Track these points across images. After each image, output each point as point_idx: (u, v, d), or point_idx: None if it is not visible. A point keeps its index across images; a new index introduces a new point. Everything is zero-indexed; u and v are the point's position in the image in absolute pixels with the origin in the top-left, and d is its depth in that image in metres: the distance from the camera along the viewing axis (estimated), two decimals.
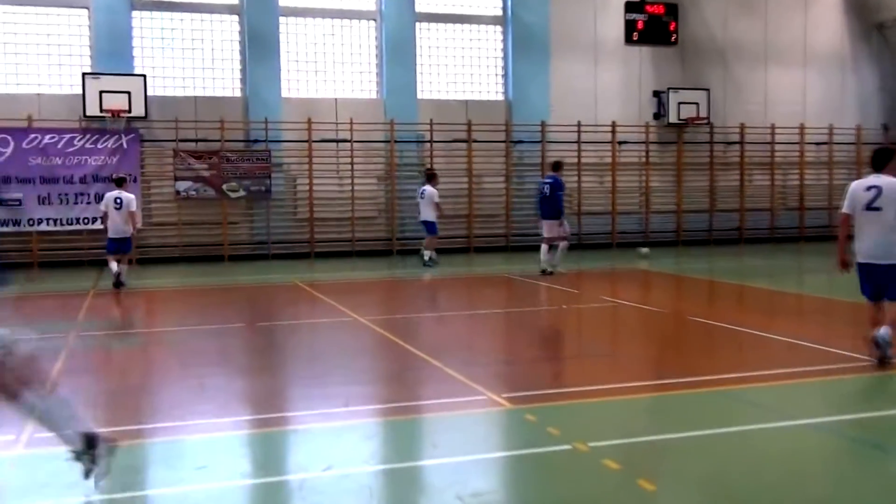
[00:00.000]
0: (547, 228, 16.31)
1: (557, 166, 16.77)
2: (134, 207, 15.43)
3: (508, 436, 6.40)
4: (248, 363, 9.15)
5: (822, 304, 13.43)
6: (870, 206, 8.07)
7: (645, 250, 20.41)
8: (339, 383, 7.84)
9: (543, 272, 16.02)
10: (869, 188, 8.13)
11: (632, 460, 5.57)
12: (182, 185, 19.72)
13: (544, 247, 16.24)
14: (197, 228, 19.89)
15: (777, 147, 24.49)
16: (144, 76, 19.32)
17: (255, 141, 20.37)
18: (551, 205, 16.24)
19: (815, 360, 8.59)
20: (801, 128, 24.49)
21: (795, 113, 24.63)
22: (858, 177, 25.87)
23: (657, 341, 10.27)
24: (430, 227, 18.55)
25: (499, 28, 22.53)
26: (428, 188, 18.55)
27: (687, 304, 13.45)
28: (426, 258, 18.20)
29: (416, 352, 9.09)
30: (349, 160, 20.89)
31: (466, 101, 22.02)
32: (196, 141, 20.00)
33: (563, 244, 16.37)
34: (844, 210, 8.35)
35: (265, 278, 16.94)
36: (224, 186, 19.84)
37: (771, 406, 6.85)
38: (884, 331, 8.04)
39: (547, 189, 16.37)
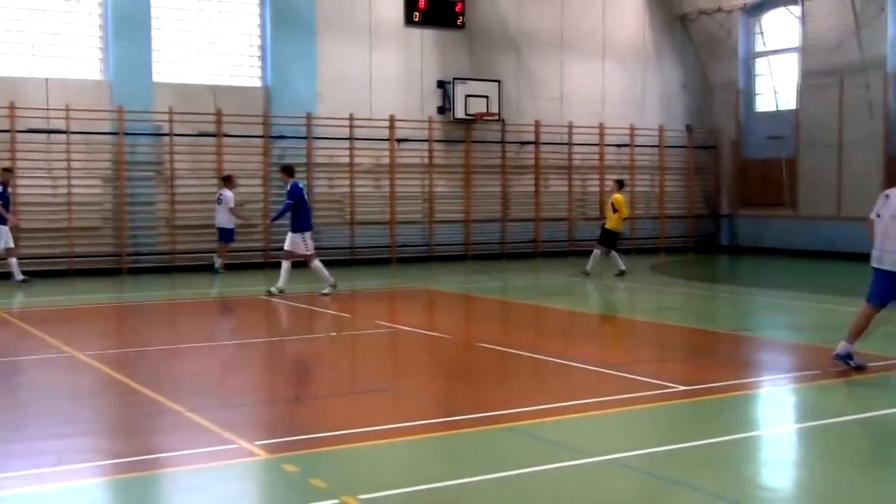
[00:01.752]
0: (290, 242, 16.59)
1: (290, 170, 17.06)
2: None
3: (263, 492, 6.30)
4: None
5: (624, 326, 14.25)
6: (878, 214, 9.90)
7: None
8: (49, 436, 7.45)
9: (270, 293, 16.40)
10: (886, 196, 9.95)
11: None
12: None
13: (317, 263, 16.61)
14: None
15: (575, 149, 25.80)
16: None
17: None
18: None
19: (617, 388, 9.09)
20: (601, 128, 25.95)
21: (594, 111, 26.07)
22: (661, 182, 27.76)
23: (442, 372, 10.48)
24: (224, 234, 20.41)
25: (255, 1, 22.30)
26: (226, 192, 20.24)
27: (476, 328, 13.84)
28: (217, 265, 20.33)
29: (150, 393, 8.77)
30: (65, 156, 19.93)
31: (215, 87, 21.61)
32: None
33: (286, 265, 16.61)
34: (870, 215, 10.12)
35: None
36: None
37: (568, 442, 7.16)
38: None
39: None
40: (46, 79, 20.03)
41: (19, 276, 18.07)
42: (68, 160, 19.97)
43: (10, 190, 18.39)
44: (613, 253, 19.85)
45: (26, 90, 19.71)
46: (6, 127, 19.40)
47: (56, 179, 20.05)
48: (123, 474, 6.50)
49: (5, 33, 19.91)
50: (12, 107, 19.34)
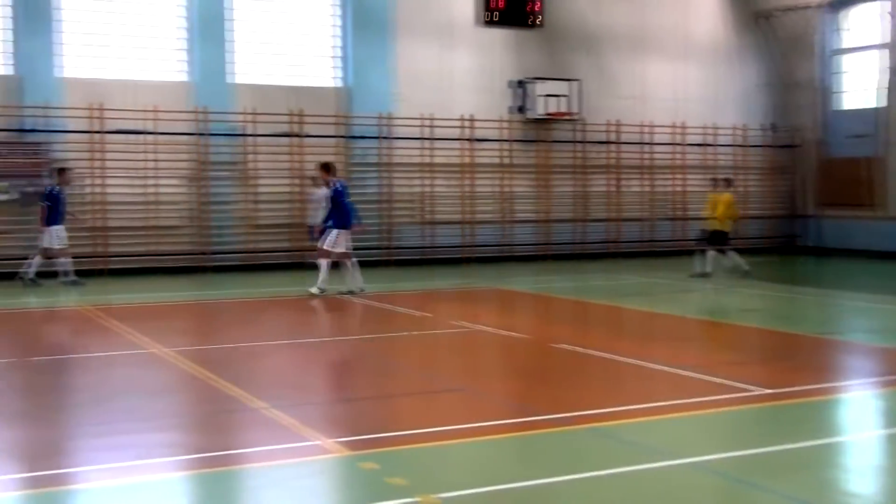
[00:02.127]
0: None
1: (330, 167, 16.91)
2: None
3: (344, 489, 6.33)
4: (17, 407, 8.70)
5: (702, 328, 14.04)
6: None
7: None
8: (133, 430, 7.58)
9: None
10: None
11: None
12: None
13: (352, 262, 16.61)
14: None
15: (654, 148, 25.51)
16: None
17: (30, 131, 19.52)
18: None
19: (697, 390, 8.94)
20: (680, 127, 25.62)
21: (674, 110, 25.75)
22: (740, 182, 27.10)
23: (519, 373, 10.43)
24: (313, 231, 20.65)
25: (334, 2, 22.48)
26: (315, 191, 20.35)
27: (552, 328, 13.75)
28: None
29: (230, 390, 8.88)
30: (150, 156, 20.31)
31: (293, 88, 21.83)
32: None
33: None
34: None
35: (42, 301, 16.23)
36: None
37: (648, 444, 7.07)
38: None
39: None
40: (132, 81, 20.45)
41: (31, 273, 17.66)
42: (152, 160, 20.34)
43: (66, 190, 18.29)
44: (710, 253, 19.46)
45: (114, 92, 20.14)
46: (95, 128, 19.85)
47: (141, 179, 20.45)
48: (204, 469, 6.59)
49: (94, 37, 20.38)
50: (97, 108, 19.76)
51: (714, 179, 20.52)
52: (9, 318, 14.63)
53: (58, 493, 6.13)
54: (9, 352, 11.49)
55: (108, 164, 20.08)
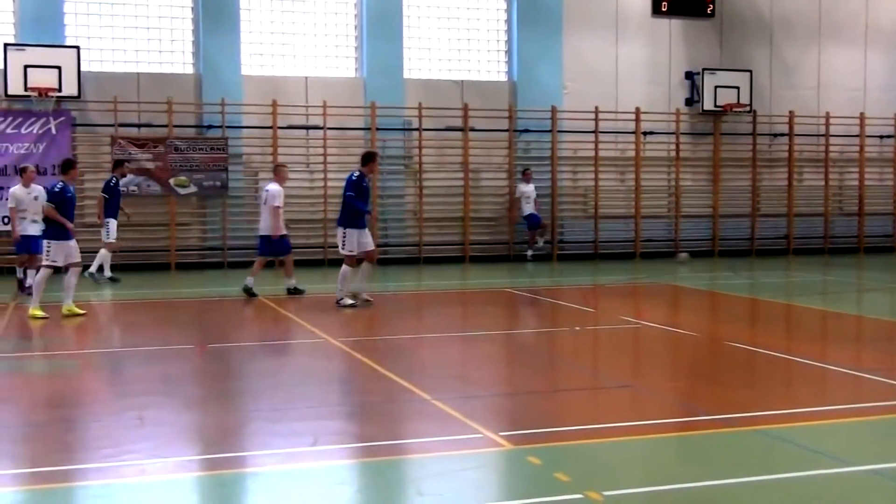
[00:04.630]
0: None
1: (370, 157, 14.65)
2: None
3: (508, 482, 6.35)
4: (197, 392, 9.10)
5: (885, 329, 13.41)
6: None
7: (684, 255, 22.11)
8: (306, 418, 7.80)
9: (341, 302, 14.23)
10: None
11: None
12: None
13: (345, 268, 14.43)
14: (138, 231, 19.79)
15: (832, 140, 24.53)
16: (78, 48, 19.25)
17: (210, 127, 20.33)
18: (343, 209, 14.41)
19: (878, 394, 8.57)
20: (861, 117, 24.54)
21: (854, 100, 24.69)
22: None
23: (687, 370, 10.24)
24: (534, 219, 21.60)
25: None
26: (521, 186, 21.54)
27: (724, 326, 13.42)
28: (529, 255, 21.56)
29: (398, 380, 9.03)
30: (322, 151, 20.85)
31: (462, 82, 22.02)
32: (138, 126, 19.94)
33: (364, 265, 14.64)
34: None
35: (219, 291, 16.86)
36: (171, 181, 19.79)
37: (824, 449, 6.81)
38: None
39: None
40: (306, 77, 21.05)
41: (94, 268, 17.19)
42: (325, 155, 20.81)
43: (122, 184, 18.01)
44: None
45: (287, 89, 20.78)
46: (268, 123, 20.52)
47: (313, 174, 21.00)
48: (373, 457, 6.72)
49: (270, 36, 21.09)
50: (275, 104, 20.36)
51: None
52: (177, 307, 15.29)
53: (232, 476, 6.38)
54: (185, 339, 12.03)
55: (283, 158, 20.63)
